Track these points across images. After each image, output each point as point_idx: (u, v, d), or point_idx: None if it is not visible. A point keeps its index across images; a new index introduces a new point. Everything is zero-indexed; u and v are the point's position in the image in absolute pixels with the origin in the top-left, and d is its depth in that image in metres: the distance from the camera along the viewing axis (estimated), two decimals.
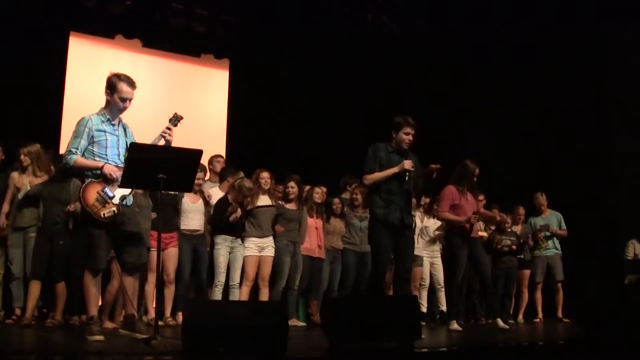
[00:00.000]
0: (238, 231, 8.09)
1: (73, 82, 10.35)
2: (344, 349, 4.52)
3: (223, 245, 7.96)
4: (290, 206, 8.42)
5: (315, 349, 5.14)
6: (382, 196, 6.45)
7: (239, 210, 7.85)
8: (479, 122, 11.47)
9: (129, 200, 5.49)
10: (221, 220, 7.96)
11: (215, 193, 8.33)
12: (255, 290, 8.12)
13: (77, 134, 5.40)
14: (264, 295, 8.04)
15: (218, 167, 8.83)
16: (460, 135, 11.47)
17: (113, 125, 5.52)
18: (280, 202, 8.42)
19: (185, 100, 10.67)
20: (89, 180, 5.36)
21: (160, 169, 5.08)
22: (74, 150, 5.35)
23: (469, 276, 8.81)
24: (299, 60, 11.32)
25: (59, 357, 3.93)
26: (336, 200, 8.95)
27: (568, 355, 5.23)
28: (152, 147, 5.33)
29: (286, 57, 11.28)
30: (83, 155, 5.39)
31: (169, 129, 5.50)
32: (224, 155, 9.78)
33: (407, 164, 6.40)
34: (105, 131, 5.44)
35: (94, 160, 5.35)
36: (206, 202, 8.14)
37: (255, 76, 11.40)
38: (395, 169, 6.43)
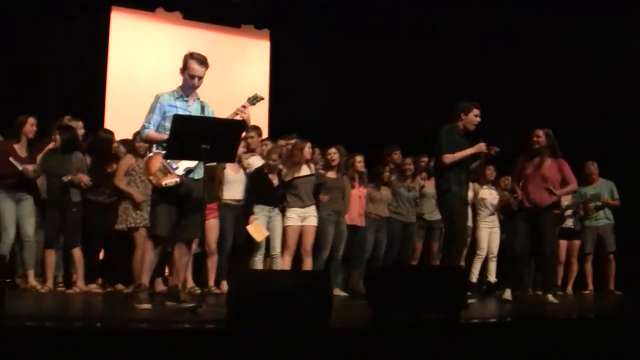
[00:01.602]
0: (275, 201, 8.11)
1: (115, 57, 10.42)
2: (387, 320, 4.51)
3: (260, 215, 7.99)
4: (332, 175, 8.39)
5: (358, 319, 5.14)
6: (456, 174, 6.76)
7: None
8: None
9: (197, 174, 5.56)
10: (258, 190, 8.00)
11: (255, 162, 8.34)
12: (298, 259, 8.16)
13: (150, 110, 5.60)
14: (307, 265, 8.06)
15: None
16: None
17: (186, 101, 5.63)
18: (321, 171, 8.41)
19: (226, 71, 10.66)
20: (156, 151, 5.49)
21: (204, 139, 5.12)
22: (146, 124, 5.55)
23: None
24: (339, 30, 11.22)
25: (109, 324, 3.98)
26: (385, 168, 8.92)
27: (619, 329, 5.14)
28: (195, 119, 5.40)
29: (326, 26, 11.19)
30: (157, 129, 5.52)
31: (244, 107, 5.57)
32: (266, 126, 9.83)
33: (483, 146, 6.83)
34: (176, 107, 5.56)
35: (166, 134, 5.41)
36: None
37: (296, 46, 11.34)
38: (472, 150, 6.82)
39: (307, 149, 8.18)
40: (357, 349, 3.97)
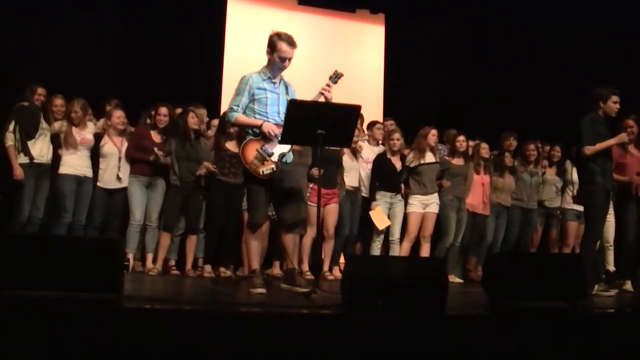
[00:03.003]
0: (397, 187, 8.07)
1: (232, 42, 10.58)
2: (504, 307, 4.42)
3: (382, 202, 7.98)
4: (457, 161, 8.32)
5: (474, 306, 5.06)
6: (599, 165, 6.58)
7: None
8: None
9: (289, 158, 5.54)
10: (381, 175, 7.97)
11: (365, 147, 8.34)
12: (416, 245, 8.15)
13: (238, 92, 5.51)
14: (425, 251, 8.02)
15: (378, 134, 8.72)
16: None
17: (274, 83, 5.56)
18: (446, 157, 8.33)
19: (341, 56, 10.65)
20: (249, 138, 5.44)
21: (319, 124, 5.08)
22: (235, 107, 5.46)
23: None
24: (454, 13, 11.03)
25: (226, 308, 4.04)
26: (507, 154, 8.76)
27: None
28: (311, 104, 5.34)
29: (441, 10, 11.02)
30: (244, 112, 5.47)
31: (328, 85, 5.48)
32: (381, 111, 9.79)
33: (624, 136, 6.75)
34: (265, 89, 5.49)
35: (255, 117, 5.43)
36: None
37: (411, 30, 11.19)
38: (614, 141, 6.65)
39: (432, 135, 8.13)
40: (473, 336, 3.91)
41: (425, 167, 8.08)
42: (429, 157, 8.13)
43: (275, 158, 5.37)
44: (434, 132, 8.19)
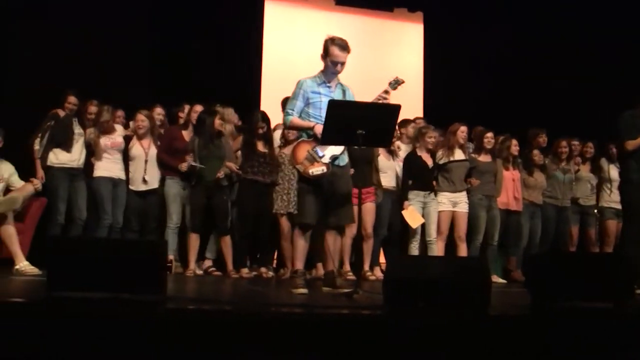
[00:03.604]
0: (429, 185, 8.04)
1: (270, 43, 10.65)
2: (547, 308, 4.38)
3: (415, 201, 7.96)
4: (484, 158, 8.27)
5: (517, 306, 5.02)
6: (636, 161, 6.51)
7: None
8: None
9: (342, 160, 5.58)
10: (413, 173, 7.95)
11: (402, 147, 8.34)
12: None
13: (293, 96, 5.61)
14: (462, 251, 7.99)
15: (412, 132, 8.70)
16: None
17: (329, 87, 5.62)
18: (472, 155, 8.28)
19: (379, 56, 10.68)
20: (301, 139, 5.54)
21: (359, 124, 5.08)
22: (289, 111, 5.59)
23: None
24: (493, 11, 10.97)
25: (267, 309, 4.05)
26: (536, 151, 8.69)
27: None
28: (351, 104, 5.39)
29: (480, 8, 10.96)
30: (300, 116, 5.56)
31: (386, 92, 5.54)
32: (420, 110, 9.78)
33: None
34: (320, 93, 5.56)
35: (309, 120, 5.47)
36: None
37: (450, 28, 11.15)
38: None
39: (461, 132, 8.08)
40: (517, 337, 3.88)
41: (454, 165, 8.07)
42: (458, 155, 8.11)
43: (326, 160, 5.41)
44: (463, 128, 8.15)
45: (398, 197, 8.13)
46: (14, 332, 3.26)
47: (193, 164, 7.51)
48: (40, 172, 7.42)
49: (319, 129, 5.35)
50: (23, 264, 6.61)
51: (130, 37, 9.40)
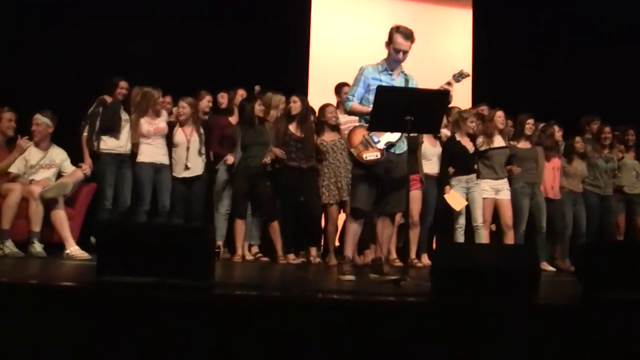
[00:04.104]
0: (471, 169, 8.00)
1: (318, 29, 10.63)
2: (598, 298, 4.31)
3: (458, 187, 7.89)
4: (523, 145, 8.16)
5: (566, 296, 4.96)
6: None
7: None
8: None
9: (399, 148, 5.56)
10: (453, 159, 7.90)
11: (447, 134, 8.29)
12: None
13: (355, 82, 5.64)
14: (509, 239, 7.90)
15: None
16: None
17: (390, 75, 5.61)
18: (512, 142, 8.18)
19: (428, 42, 10.55)
20: (358, 124, 5.53)
21: (408, 111, 5.05)
22: (350, 97, 5.61)
23: None
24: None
25: (315, 295, 4.06)
26: (577, 138, 8.55)
27: None
28: (399, 90, 5.36)
29: None
30: (360, 102, 5.55)
31: (449, 84, 5.51)
32: (469, 97, 9.70)
33: None
34: (381, 80, 5.55)
35: (369, 106, 5.46)
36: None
37: (500, 12, 10.99)
38: None
39: (498, 117, 7.99)
40: (567, 326, 3.83)
41: (494, 152, 7.97)
42: (498, 141, 8.02)
43: (381, 146, 5.41)
44: (499, 114, 8.05)
45: (440, 184, 8.08)
46: (63, 315, 3.31)
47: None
48: (89, 160, 7.51)
49: None
50: (73, 249, 6.71)
51: (177, 23, 9.45)
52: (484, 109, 8.71)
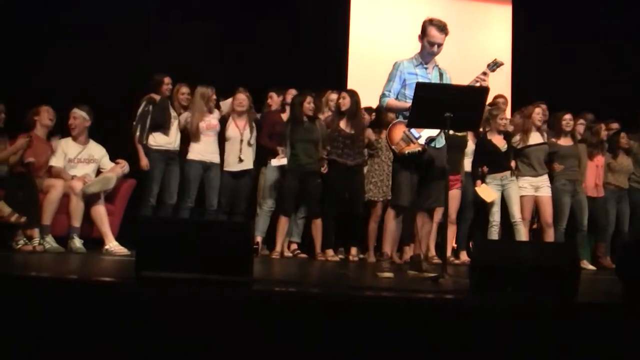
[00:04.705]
0: (504, 167, 7.92)
1: (357, 25, 10.61)
2: (638, 296, 4.25)
3: (492, 185, 7.84)
4: (564, 142, 8.06)
5: (607, 294, 4.90)
6: None
7: None
8: None
9: (439, 143, 5.54)
10: (485, 157, 7.84)
11: None
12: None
13: (390, 78, 5.61)
14: (549, 237, 7.82)
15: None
16: None
17: (425, 68, 5.59)
18: (553, 139, 8.09)
19: (467, 38, 10.50)
20: (398, 120, 5.52)
21: (447, 107, 5.02)
22: (386, 93, 5.58)
23: None
24: None
25: (353, 292, 4.06)
26: (622, 134, 8.44)
27: None
28: (438, 86, 5.32)
29: None
30: (397, 98, 5.53)
31: (484, 74, 5.47)
32: (509, 93, 9.63)
33: None
34: (416, 74, 5.53)
35: (406, 102, 5.44)
36: None
37: (540, 8, 10.86)
38: None
39: (536, 114, 7.91)
40: (608, 325, 3.78)
41: (532, 149, 7.90)
42: (536, 138, 7.94)
43: (421, 141, 5.39)
44: (537, 110, 7.98)
45: (472, 177, 8.05)
46: (103, 310, 3.34)
47: (279, 163, 7.65)
48: (145, 159, 7.57)
49: None
50: (112, 244, 6.78)
51: (216, 21, 9.48)
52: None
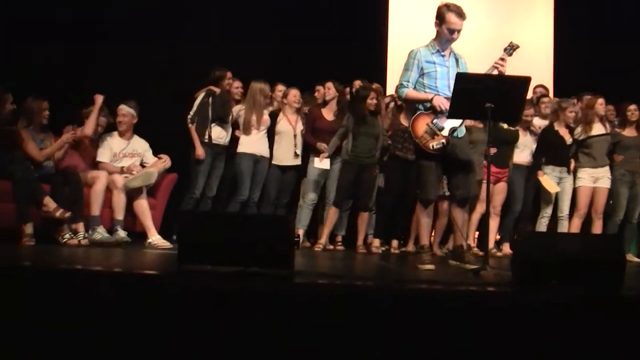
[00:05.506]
0: (566, 161, 7.84)
1: (396, 17, 10.58)
2: None
3: (551, 176, 7.77)
4: (629, 132, 7.95)
5: None
6: None
7: None
8: None
9: (460, 132, 5.49)
10: (549, 148, 7.74)
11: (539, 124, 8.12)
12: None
13: (407, 67, 5.50)
14: (597, 228, 7.76)
15: (544, 108, 8.42)
16: None
17: (443, 56, 5.50)
18: (616, 129, 7.98)
19: (507, 26, 10.39)
20: (419, 112, 5.42)
21: (488, 98, 4.97)
22: (404, 83, 5.47)
23: None
24: None
25: (394, 284, 4.05)
26: None
27: None
28: (479, 76, 5.22)
29: None
30: (414, 87, 5.45)
31: (502, 59, 5.35)
32: (551, 82, 9.50)
33: None
34: (434, 62, 5.45)
35: (425, 92, 5.38)
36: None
37: None
38: None
39: (599, 105, 7.80)
40: None
41: (594, 140, 7.80)
42: (598, 129, 7.83)
43: (445, 132, 5.33)
44: (601, 101, 7.86)
45: (530, 174, 7.95)
46: (145, 303, 3.37)
47: (322, 166, 7.74)
48: (201, 149, 7.59)
49: (437, 101, 5.29)
50: (155, 238, 6.84)
51: (261, 17, 9.51)
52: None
